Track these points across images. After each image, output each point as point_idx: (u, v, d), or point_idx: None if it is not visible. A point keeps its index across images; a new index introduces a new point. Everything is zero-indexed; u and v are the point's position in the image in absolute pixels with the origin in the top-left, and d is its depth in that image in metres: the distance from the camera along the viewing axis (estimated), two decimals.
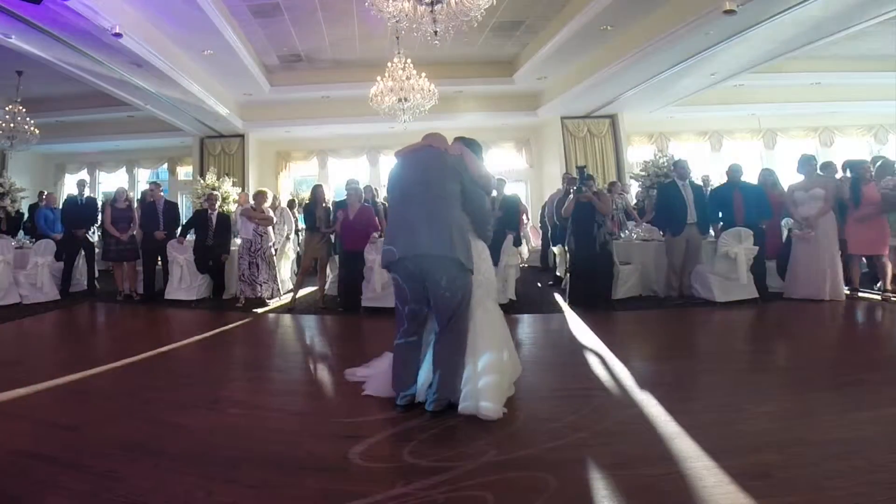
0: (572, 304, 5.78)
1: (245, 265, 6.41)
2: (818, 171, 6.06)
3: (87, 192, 7.74)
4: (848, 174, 6.20)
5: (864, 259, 5.93)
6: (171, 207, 7.33)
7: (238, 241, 6.79)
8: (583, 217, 5.80)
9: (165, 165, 14.09)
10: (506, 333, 2.90)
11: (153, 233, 6.90)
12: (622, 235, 7.16)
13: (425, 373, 2.74)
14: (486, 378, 2.61)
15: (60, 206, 8.53)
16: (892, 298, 5.34)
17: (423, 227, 2.60)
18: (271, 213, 6.77)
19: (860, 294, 5.62)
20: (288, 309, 6.12)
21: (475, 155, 2.95)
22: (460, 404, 2.62)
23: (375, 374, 3.09)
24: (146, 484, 2.01)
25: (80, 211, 7.43)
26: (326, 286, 6.37)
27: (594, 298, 5.70)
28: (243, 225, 6.49)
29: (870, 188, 5.63)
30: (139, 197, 8.83)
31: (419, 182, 2.72)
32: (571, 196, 6.06)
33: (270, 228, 6.69)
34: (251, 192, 7.80)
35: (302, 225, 7.93)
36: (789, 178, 7.13)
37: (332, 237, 6.35)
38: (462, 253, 2.58)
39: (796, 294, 5.64)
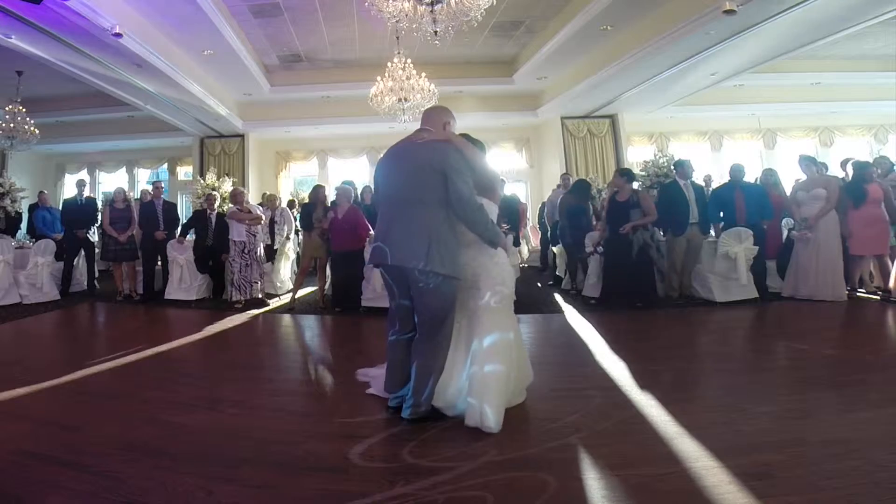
0: (603, 303, 5.64)
1: (238, 268, 6.34)
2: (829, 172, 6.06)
3: (86, 193, 7.74)
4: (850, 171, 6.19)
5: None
6: (171, 207, 7.35)
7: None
8: (618, 219, 5.62)
9: (165, 165, 14.11)
10: (515, 344, 2.72)
11: (153, 233, 6.91)
12: None
13: None
14: (490, 397, 2.48)
15: (59, 207, 8.54)
16: (892, 299, 5.34)
17: (398, 239, 2.51)
18: (258, 211, 6.75)
19: (860, 294, 5.62)
20: (288, 309, 6.12)
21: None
22: (452, 409, 2.59)
23: (380, 375, 3.08)
24: (146, 484, 2.01)
25: (80, 211, 7.43)
26: (326, 286, 6.37)
27: (633, 298, 5.54)
28: (234, 227, 6.41)
29: (873, 187, 5.64)
30: (138, 197, 8.85)
31: (400, 185, 2.60)
32: (604, 196, 5.91)
33: (260, 227, 6.68)
34: (249, 192, 7.77)
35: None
36: (790, 178, 7.11)
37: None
38: (439, 264, 2.42)
39: (796, 294, 5.64)
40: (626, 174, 5.86)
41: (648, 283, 5.63)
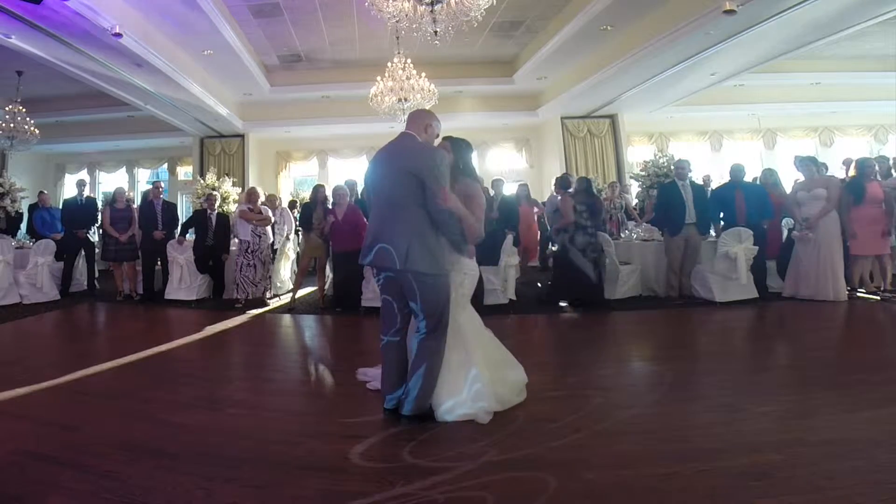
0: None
1: (238, 267, 6.35)
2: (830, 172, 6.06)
3: (86, 192, 7.73)
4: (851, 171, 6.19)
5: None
6: (170, 208, 7.34)
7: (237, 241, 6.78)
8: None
9: (165, 165, 14.11)
10: (485, 347, 2.81)
11: (152, 233, 6.91)
12: (622, 235, 7.16)
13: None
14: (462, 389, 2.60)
15: (59, 207, 8.53)
16: (893, 299, 5.34)
17: (383, 242, 2.58)
18: (269, 213, 6.76)
19: (860, 294, 5.62)
20: (288, 309, 6.11)
21: (462, 155, 2.93)
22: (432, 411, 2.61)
23: (380, 374, 3.08)
24: (146, 484, 2.01)
25: (80, 211, 7.42)
26: (326, 286, 6.37)
27: (582, 299, 5.69)
28: (241, 227, 6.42)
29: (873, 186, 5.63)
30: (140, 197, 8.85)
31: (385, 188, 2.69)
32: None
33: (269, 228, 6.68)
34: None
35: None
36: (790, 178, 7.09)
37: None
38: (423, 264, 2.52)
39: (798, 294, 5.63)
40: (558, 181, 6.21)
41: (581, 284, 5.65)
